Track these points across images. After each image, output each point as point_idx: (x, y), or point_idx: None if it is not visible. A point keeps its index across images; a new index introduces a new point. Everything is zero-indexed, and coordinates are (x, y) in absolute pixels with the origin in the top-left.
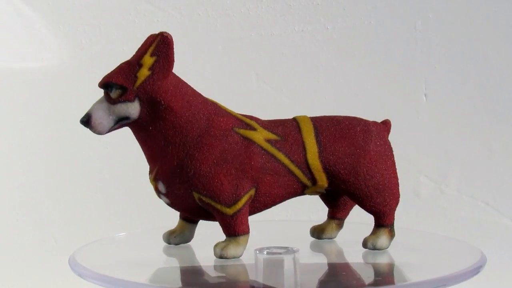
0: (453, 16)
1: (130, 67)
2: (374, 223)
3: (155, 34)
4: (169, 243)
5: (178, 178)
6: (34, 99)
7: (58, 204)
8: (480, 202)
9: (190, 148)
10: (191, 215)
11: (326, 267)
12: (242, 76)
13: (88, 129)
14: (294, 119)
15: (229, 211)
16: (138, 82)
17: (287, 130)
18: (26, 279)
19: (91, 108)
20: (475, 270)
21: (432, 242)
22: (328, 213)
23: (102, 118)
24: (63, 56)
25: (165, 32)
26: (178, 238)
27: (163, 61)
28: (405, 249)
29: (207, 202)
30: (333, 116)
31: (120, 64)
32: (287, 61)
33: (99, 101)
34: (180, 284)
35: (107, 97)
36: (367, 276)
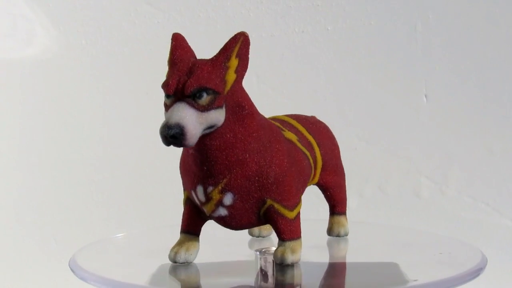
0: (453, 17)
1: (217, 70)
2: (333, 212)
3: (237, 34)
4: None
5: (254, 186)
6: (34, 100)
7: (58, 205)
8: (480, 203)
9: (267, 154)
10: (240, 227)
11: (327, 267)
12: None
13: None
14: (283, 120)
15: (292, 214)
16: (228, 86)
17: (293, 130)
18: (27, 280)
19: (180, 117)
20: (476, 273)
21: (433, 243)
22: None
23: (196, 128)
24: (64, 57)
25: (246, 32)
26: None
27: (244, 63)
28: (406, 250)
29: (276, 208)
30: (301, 115)
31: (203, 66)
32: (287, 62)
33: (183, 108)
34: (179, 285)
35: (194, 103)
36: (368, 277)
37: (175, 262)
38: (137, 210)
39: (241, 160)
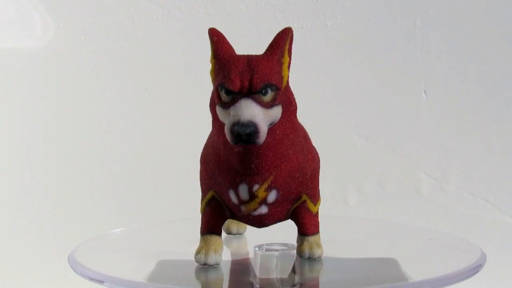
0: (452, 13)
1: (276, 66)
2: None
3: (285, 29)
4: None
5: (295, 183)
6: (32, 97)
7: (58, 202)
8: (480, 199)
9: (304, 150)
10: (270, 225)
11: (325, 262)
12: None
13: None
14: None
15: (315, 209)
16: (284, 82)
17: None
18: (26, 277)
19: (251, 115)
20: (475, 270)
21: (432, 240)
22: None
23: (265, 126)
24: (63, 53)
25: (291, 28)
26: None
27: (291, 59)
28: (405, 246)
29: (307, 203)
30: None
31: (264, 62)
32: None
33: (251, 105)
34: (178, 282)
35: (260, 100)
36: (367, 273)
37: (205, 264)
38: (138, 207)
39: (286, 156)
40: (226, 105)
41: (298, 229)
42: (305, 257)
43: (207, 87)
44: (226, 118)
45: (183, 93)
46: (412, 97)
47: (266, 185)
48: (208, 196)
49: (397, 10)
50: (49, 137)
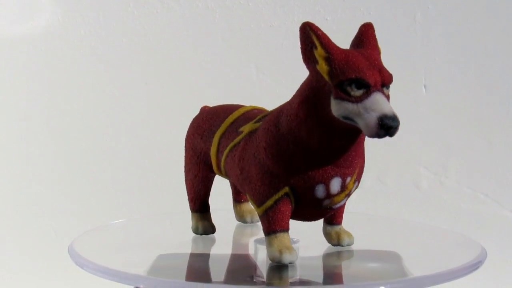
0: (452, 8)
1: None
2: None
3: (367, 24)
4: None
5: (360, 173)
6: (31, 91)
7: (58, 196)
8: (480, 193)
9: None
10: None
11: (325, 257)
12: (241, 67)
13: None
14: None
15: None
16: None
17: None
18: (26, 271)
19: (392, 109)
20: (475, 266)
21: (432, 235)
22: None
23: None
24: (62, 47)
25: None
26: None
27: None
28: (405, 242)
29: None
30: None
31: (377, 57)
32: (286, 52)
33: (384, 98)
34: (179, 275)
35: (384, 94)
36: (366, 269)
37: (287, 263)
38: (138, 201)
39: (363, 149)
40: (356, 99)
41: (328, 219)
42: (333, 244)
43: (208, 81)
44: (359, 112)
45: (183, 87)
46: (412, 91)
47: (354, 177)
48: (281, 192)
49: (397, 5)
50: (48, 130)
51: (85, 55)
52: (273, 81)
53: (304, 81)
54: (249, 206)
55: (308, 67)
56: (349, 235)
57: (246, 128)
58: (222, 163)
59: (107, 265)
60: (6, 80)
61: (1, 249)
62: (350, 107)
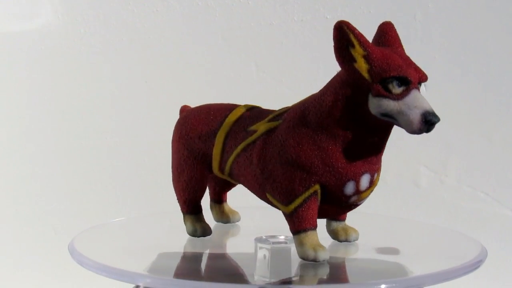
0: (452, 7)
1: None
2: None
3: (388, 23)
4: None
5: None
6: (32, 89)
7: (58, 194)
8: (480, 192)
9: None
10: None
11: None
12: (241, 66)
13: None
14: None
15: None
16: None
17: None
18: (26, 270)
19: (431, 106)
20: (475, 265)
21: (432, 234)
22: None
23: None
24: (62, 46)
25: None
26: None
27: None
28: (405, 241)
29: None
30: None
31: (406, 56)
32: (286, 51)
33: (421, 96)
34: (178, 273)
35: (420, 91)
36: (365, 268)
37: (322, 260)
38: (138, 200)
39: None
40: (397, 97)
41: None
42: (341, 241)
43: (208, 79)
44: (401, 110)
45: (183, 85)
46: None
47: (379, 173)
48: (311, 190)
49: (397, 3)
50: (48, 129)
51: (85, 53)
52: (273, 79)
53: (335, 79)
54: (229, 206)
55: (342, 66)
56: (355, 230)
57: (260, 127)
58: (228, 164)
59: (107, 263)
60: (5, 78)
61: (1, 248)
62: (391, 104)
